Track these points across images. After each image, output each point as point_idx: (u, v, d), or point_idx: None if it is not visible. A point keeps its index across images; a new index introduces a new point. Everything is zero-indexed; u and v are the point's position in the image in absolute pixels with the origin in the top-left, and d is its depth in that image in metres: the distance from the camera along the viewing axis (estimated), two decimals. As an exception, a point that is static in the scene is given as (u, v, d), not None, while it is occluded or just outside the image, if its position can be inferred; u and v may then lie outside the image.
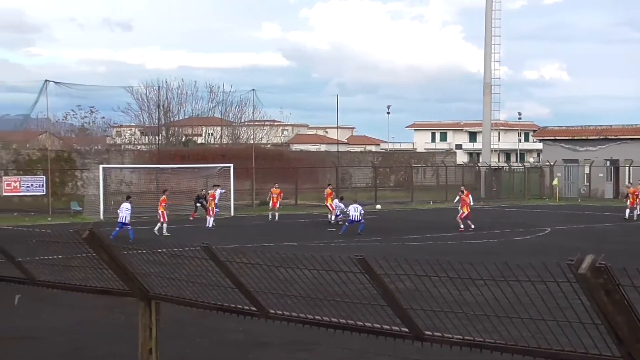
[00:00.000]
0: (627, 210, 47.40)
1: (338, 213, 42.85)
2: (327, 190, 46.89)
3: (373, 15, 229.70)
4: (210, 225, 41.62)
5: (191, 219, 46.59)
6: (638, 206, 47.46)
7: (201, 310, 8.40)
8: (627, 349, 5.06)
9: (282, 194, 48.46)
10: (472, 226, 39.65)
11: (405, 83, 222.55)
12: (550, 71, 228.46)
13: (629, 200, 48.08)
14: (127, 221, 35.50)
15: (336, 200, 44.18)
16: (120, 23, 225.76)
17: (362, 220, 38.64)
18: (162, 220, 38.12)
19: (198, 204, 48.09)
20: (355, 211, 38.63)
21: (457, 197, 42.99)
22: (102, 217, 47.19)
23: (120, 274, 8.44)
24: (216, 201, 43.96)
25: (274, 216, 46.79)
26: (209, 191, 45.86)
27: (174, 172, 55.31)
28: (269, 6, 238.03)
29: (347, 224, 38.98)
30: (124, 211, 35.99)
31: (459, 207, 41.03)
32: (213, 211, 42.53)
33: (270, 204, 47.56)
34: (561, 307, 5.53)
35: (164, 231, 37.61)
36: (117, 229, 34.63)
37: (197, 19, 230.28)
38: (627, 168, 68.55)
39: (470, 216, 40.38)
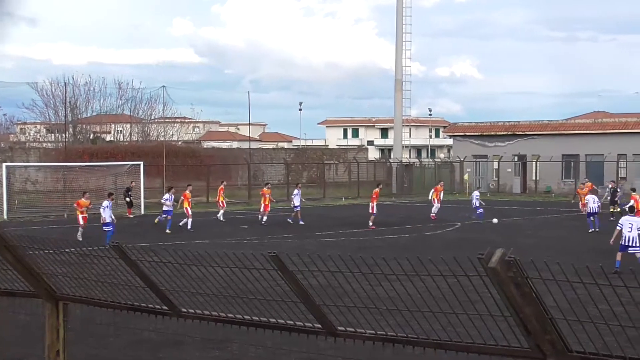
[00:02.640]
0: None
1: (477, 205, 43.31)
2: (264, 190, 43.96)
3: (286, 12, 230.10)
4: (221, 218, 43.15)
5: (130, 216, 46.13)
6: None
7: (112, 310, 8.28)
8: (536, 340, 5.15)
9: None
10: (371, 224, 39.72)
11: (319, 80, 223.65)
12: (461, 68, 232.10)
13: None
14: (109, 220, 32.39)
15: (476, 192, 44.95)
16: (25, 17, 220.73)
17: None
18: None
19: (127, 199, 47.58)
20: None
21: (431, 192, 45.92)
22: (5, 217, 46.18)
23: (25, 274, 8.26)
24: (167, 202, 39.91)
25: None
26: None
27: (82, 170, 54.36)
28: (180, 2, 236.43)
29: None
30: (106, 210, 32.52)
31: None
32: (223, 204, 43.86)
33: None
34: (472, 300, 5.59)
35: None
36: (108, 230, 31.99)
37: (107, 14, 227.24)
38: (534, 163, 69.98)
39: (374, 212, 40.43)
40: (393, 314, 6.16)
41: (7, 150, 64.84)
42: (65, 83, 74.12)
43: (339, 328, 6.54)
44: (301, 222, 41.16)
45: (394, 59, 76.05)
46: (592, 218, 36.55)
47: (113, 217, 32.94)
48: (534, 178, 70.21)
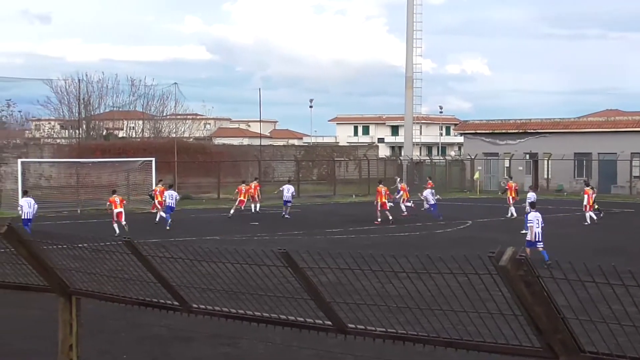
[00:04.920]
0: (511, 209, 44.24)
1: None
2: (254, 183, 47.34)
3: (296, 9, 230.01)
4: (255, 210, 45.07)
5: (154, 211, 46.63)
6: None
7: (123, 305, 8.30)
8: (546, 339, 5.14)
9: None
10: (379, 219, 40.25)
11: (328, 77, 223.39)
12: (471, 65, 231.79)
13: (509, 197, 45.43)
14: (30, 217, 34.26)
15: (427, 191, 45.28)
16: (39, 15, 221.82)
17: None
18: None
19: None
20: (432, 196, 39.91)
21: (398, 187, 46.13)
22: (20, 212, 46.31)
23: (39, 269, 8.28)
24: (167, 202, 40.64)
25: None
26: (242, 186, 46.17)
27: (95, 166, 54.55)
28: (191, 0, 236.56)
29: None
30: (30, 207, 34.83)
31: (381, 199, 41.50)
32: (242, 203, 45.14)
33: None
34: (482, 298, 5.58)
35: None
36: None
37: (119, 11, 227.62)
38: (545, 161, 69.78)
39: (386, 207, 40.73)
40: (403, 312, 6.15)
41: (22, 147, 65.01)
42: (79, 80, 74.32)
43: (349, 325, 6.54)
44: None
45: (404, 56, 75.95)
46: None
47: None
48: (545, 176, 70.00)
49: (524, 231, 34.84)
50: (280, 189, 46.08)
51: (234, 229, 36.84)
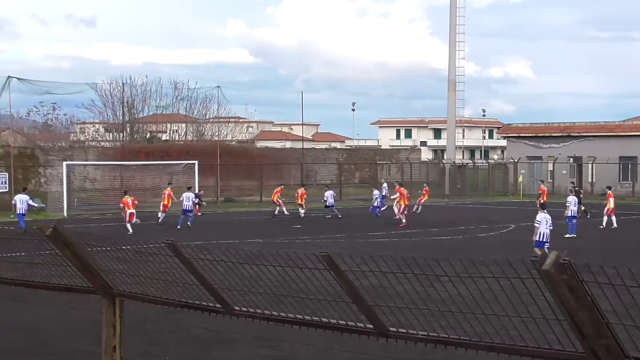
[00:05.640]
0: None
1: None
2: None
3: (339, 13, 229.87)
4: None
5: (199, 214, 46.85)
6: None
7: (166, 307, 8.35)
8: (590, 344, 5.09)
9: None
10: (404, 221, 40.60)
11: (371, 79, 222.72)
12: (515, 68, 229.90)
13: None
14: (24, 212, 37.59)
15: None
16: (84, 19, 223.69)
17: None
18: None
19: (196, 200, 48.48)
20: None
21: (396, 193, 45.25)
22: (65, 214, 46.85)
23: (84, 271, 8.37)
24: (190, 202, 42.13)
25: None
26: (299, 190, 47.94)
27: (139, 168, 55.03)
28: (234, 3, 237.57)
29: None
30: (24, 203, 38.16)
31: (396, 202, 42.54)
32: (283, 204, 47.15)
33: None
34: (525, 303, 5.55)
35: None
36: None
37: (162, 15, 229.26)
38: (590, 165, 69.12)
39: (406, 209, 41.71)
40: (445, 316, 6.13)
41: (67, 149, 65.61)
42: (123, 83, 74.87)
43: (391, 329, 6.53)
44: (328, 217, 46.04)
45: (447, 59, 75.60)
46: None
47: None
48: (590, 180, 69.32)
49: (567, 235, 34.85)
50: (325, 195, 47.62)
51: (276, 232, 36.92)
